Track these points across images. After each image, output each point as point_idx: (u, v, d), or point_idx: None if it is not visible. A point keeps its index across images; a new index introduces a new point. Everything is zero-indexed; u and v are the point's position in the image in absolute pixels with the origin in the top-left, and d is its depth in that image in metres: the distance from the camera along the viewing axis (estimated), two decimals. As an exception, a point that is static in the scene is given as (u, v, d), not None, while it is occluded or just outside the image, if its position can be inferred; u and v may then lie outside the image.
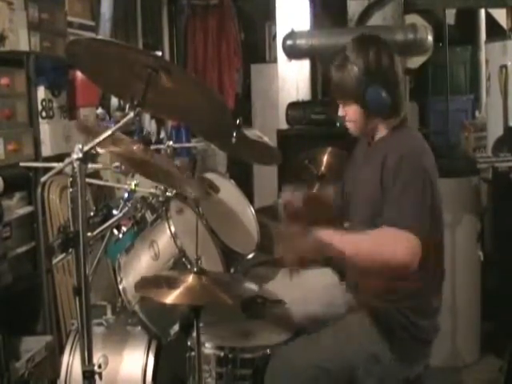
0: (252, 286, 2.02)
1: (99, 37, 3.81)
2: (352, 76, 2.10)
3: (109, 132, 1.76)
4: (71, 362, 2.26)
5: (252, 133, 2.47)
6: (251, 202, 2.82)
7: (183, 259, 2.18)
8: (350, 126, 2.23)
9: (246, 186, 5.19)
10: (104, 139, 1.75)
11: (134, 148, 1.95)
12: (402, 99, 2.17)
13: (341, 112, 2.22)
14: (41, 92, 3.22)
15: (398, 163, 2.03)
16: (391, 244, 1.96)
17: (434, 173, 2.11)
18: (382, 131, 2.20)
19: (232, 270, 2.52)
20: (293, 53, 5.00)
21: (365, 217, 2.17)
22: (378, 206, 2.06)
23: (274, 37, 5.56)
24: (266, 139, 2.69)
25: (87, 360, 1.73)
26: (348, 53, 2.13)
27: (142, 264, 2.29)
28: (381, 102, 2.11)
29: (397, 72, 2.15)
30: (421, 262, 1.97)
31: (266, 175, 5.27)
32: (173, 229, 2.21)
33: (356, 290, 2.26)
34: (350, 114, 2.19)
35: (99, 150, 1.80)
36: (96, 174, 3.40)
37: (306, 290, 2.49)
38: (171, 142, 3.03)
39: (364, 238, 2.02)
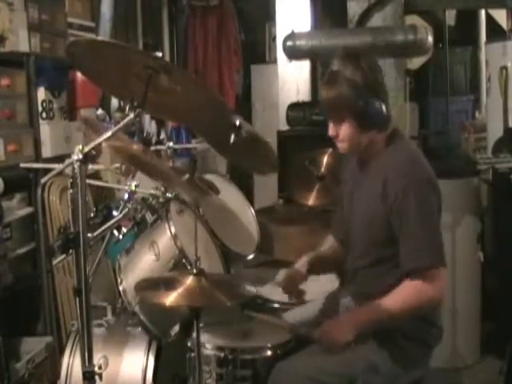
0: (252, 287, 2.02)
1: (99, 37, 3.81)
2: (349, 91, 2.04)
3: (109, 133, 1.76)
4: (71, 363, 2.26)
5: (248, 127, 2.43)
6: (251, 202, 2.82)
7: (183, 260, 2.18)
8: (342, 145, 2.15)
9: (247, 187, 5.19)
10: (104, 140, 1.75)
11: (135, 147, 1.96)
12: (390, 109, 2.14)
13: (332, 131, 2.14)
14: (41, 93, 3.22)
15: (401, 194, 2.01)
16: (417, 295, 2.01)
17: (434, 180, 2.09)
18: (377, 145, 2.14)
19: (232, 271, 2.53)
20: (293, 54, 5.00)
21: (366, 247, 2.17)
22: (379, 239, 2.09)
23: (274, 37, 5.56)
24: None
25: (87, 361, 1.73)
26: (340, 69, 2.07)
27: (142, 265, 2.29)
28: (379, 114, 2.08)
29: (384, 83, 2.14)
30: None
31: (266, 176, 5.27)
32: (173, 230, 2.21)
33: (356, 296, 2.26)
34: (343, 132, 2.11)
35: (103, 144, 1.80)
36: (96, 175, 3.41)
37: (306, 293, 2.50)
38: (171, 143, 3.05)
39: (392, 303, 2.02)
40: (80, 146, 1.68)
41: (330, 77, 2.09)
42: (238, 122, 2.32)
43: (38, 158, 3.16)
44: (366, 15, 4.91)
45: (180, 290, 1.84)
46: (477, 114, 6.14)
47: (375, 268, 2.13)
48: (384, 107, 2.08)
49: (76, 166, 1.68)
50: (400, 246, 2.03)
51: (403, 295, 2.02)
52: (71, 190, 1.70)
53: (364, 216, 2.15)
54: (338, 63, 2.08)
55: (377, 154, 2.15)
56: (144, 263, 2.28)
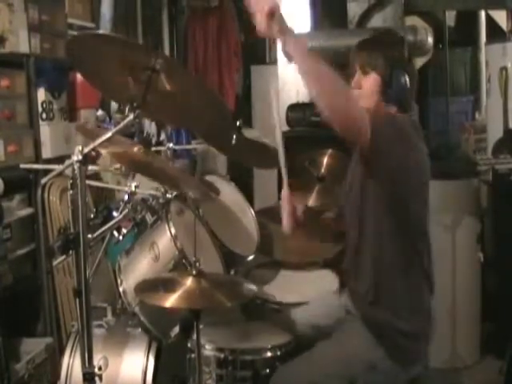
0: (252, 288, 2.02)
1: (100, 31, 3.80)
2: (386, 50, 2.06)
3: (109, 134, 1.76)
4: (71, 364, 2.26)
5: (252, 134, 2.46)
6: (251, 203, 2.82)
7: (183, 261, 2.18)
8: (361, 102, 2.05)
9: (246, 188, 5.18)
10: (104, 141, 1.75)
11: (135, 150, 1.96)
12: (414, 94, 2.13)
13: (355, 84, 2.08)
14: (41, 94, 3.22)
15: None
16: (348, 97, 1.87)
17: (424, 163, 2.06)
18: None
19: (232, 272, 2.53)
20: (293, 54, 4.99)
21: (357, 220, 2.16)
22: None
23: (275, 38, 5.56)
24: (265, 141, 2.69)
25: (87, 362, 1.74)
26: (381, 36, 2.15)
27: (142, 266, 2.29)
28: (403, 87, 2.06)
29: (414, 72, 2.17)
30: (405, 262, 2.05)
31: (266, 177, 5.27)
32: (173, 230, 2.21)
33: (353, 294, 2.26)
34: (367, 84, 2.07)
35: (101, 150, 1.80)
36: (96, 176, 3.41)
37: (304, 293, 2.50)
38: (171, 144, 3.04)
39: (332, 75, 1.83)
40: (80, 147, 1.69)
41: (370, 38, 2.13)
42: (238, 123, 2.33)
43: (37, 158, 3.16)
44: (366, 16, 4.91)
45: (180, 291, 1.84)
46: (477, 114, 6.14)
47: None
48: (409, 85, 2.07)
49: (76, 166, 1.68)
50: None
51: (343, 84, 1.85)
52: (71, 191, 1.70)
53: (355, 194, 2.15)
54: (379, 34, 2.16)
55: None
56: (144, 264, 2.28)
